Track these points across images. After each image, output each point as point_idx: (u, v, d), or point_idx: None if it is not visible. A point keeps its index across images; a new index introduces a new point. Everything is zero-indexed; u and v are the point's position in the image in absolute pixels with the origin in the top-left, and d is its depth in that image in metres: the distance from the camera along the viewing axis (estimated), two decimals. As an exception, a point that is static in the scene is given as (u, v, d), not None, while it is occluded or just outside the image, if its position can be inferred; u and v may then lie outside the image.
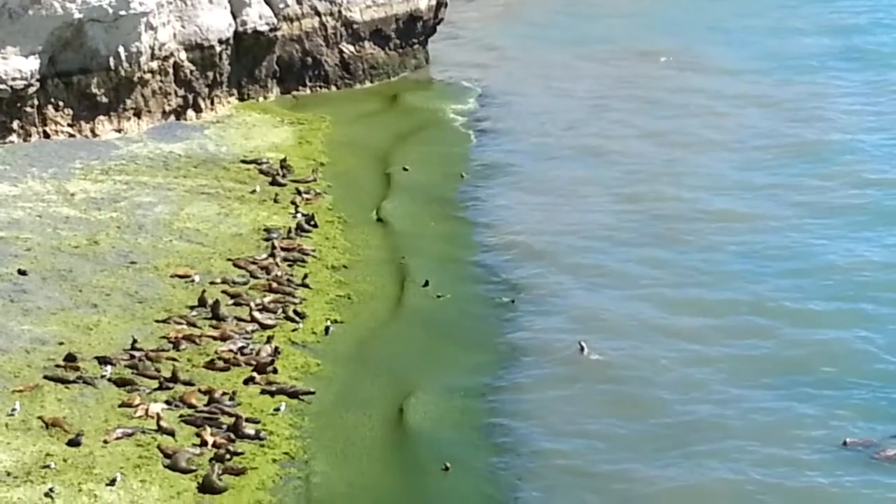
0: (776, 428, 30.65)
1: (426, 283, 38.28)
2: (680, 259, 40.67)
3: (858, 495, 28.11)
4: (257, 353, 33.06)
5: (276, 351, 33.23)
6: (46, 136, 48.01)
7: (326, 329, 35.18)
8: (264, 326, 34.88)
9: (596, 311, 37.03)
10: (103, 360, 31.67)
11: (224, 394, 30.95)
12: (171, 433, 29.05)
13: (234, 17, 54.58)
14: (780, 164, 49.28)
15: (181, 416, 29.90)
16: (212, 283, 37.10)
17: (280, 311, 35.91)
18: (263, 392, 31.41)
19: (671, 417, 31.30)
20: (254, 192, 45.18)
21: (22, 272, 36.36)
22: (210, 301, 35.45)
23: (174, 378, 31.36)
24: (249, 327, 34.74)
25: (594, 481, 28.85)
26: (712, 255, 40.91)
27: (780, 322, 36.04)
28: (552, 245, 41.98)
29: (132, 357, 32.10)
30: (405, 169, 48.79)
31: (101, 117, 49.37)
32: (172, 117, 51.97)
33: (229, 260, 39.00)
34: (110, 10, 48.36)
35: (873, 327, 35.40)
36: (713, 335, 35.39)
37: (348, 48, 59.42)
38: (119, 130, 49.75)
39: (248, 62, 55.53)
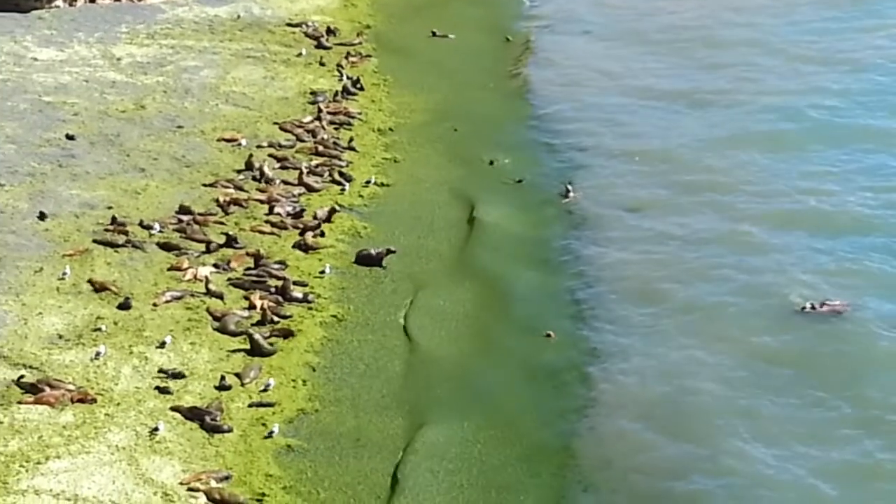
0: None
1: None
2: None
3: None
4: (314, 216, 33.11)
5: (333, 211, 33.46)
6: (92, 0, 47.77)
7: (368, 182, 35.50)
8: (311, 189, 34.93)
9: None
10: (148, 226, 31.73)
11: (269, 258, 31.09)
12: (220, 296, 29.21)
13: None
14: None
15: (229, 279, 30.09)
16: (258, 146, 37.09)
17: (326, 174, 35.92)
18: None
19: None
20: (299, 55, 44.96)
21: (70, 137, 36.48)
22: (257, 164, 35.48)
23: (229, 243, 31.48)
24: (296, 191, 34.78)
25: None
26: (737, 115, 41.04)
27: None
28: (607, 107, 41.87)
29: (180, 221, 32.24)
30: (434, 33, 48.16)
31: (146, -20, 49.12)
32: (217, -20, 51.60)
33: (275, 123, 38.95)
34: None
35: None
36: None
37: None
38: (164, -6, 49.54)
39: (293, -78, 54.83)
